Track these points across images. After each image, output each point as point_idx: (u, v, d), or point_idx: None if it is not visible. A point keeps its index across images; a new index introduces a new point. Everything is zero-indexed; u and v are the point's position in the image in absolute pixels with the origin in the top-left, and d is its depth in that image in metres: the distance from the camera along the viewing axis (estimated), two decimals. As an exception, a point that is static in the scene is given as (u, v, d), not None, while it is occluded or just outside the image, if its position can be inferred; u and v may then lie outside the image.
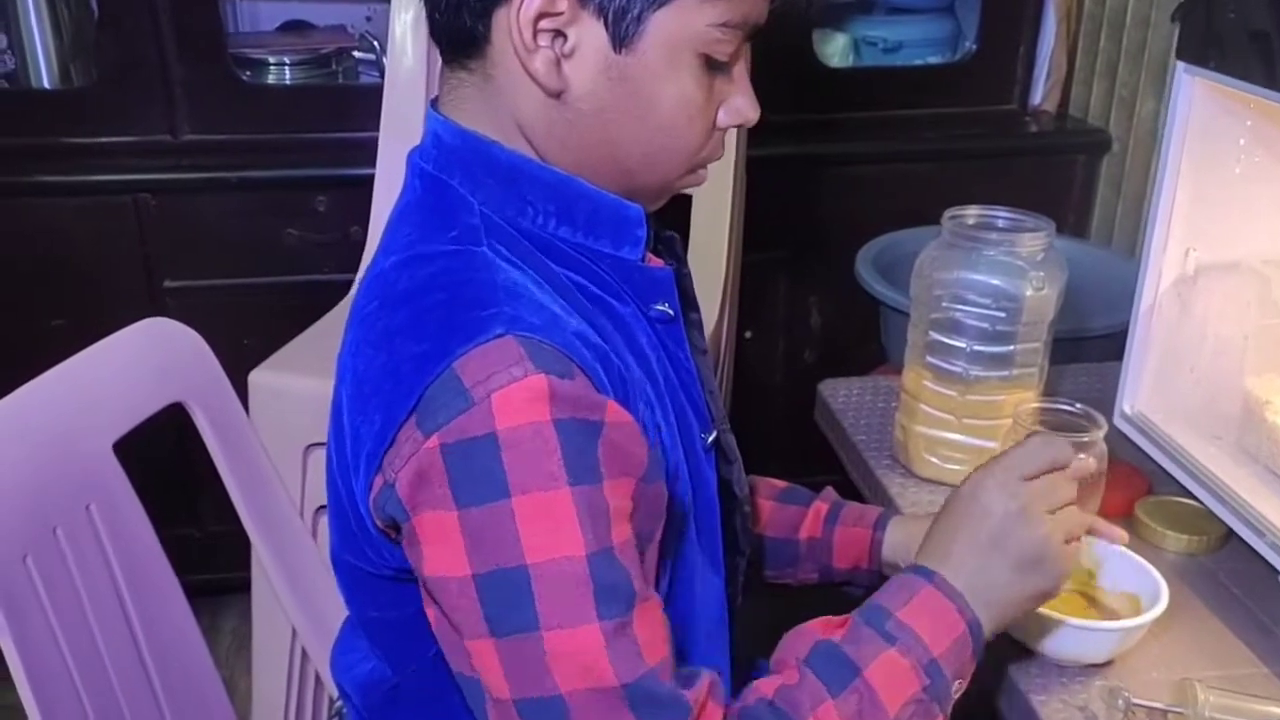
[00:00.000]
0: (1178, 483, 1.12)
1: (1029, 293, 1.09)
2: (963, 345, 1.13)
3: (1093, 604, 0.97)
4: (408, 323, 0.72)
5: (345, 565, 0.82)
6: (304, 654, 1.45)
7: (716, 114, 0.79)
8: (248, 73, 2.03)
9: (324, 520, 1.12)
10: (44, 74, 1.98)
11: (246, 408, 1.13)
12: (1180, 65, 1.12)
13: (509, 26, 0.72)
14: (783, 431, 1.85)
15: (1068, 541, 0.81)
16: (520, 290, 0.72)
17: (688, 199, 1.73)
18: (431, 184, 0.78)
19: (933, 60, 2.28)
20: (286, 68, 2.09)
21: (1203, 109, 1.12)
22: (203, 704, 1.02)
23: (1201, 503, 1.09)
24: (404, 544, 0.72)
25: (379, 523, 0.73)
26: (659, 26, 0.73)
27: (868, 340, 1.88)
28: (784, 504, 1.05)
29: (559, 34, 0.73)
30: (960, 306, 1.12)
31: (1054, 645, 0.90)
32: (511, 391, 0.66)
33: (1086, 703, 0.88)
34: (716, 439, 0.87)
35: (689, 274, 0.90)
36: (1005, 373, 1.13)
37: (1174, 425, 1.17)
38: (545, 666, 0.66)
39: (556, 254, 0.77)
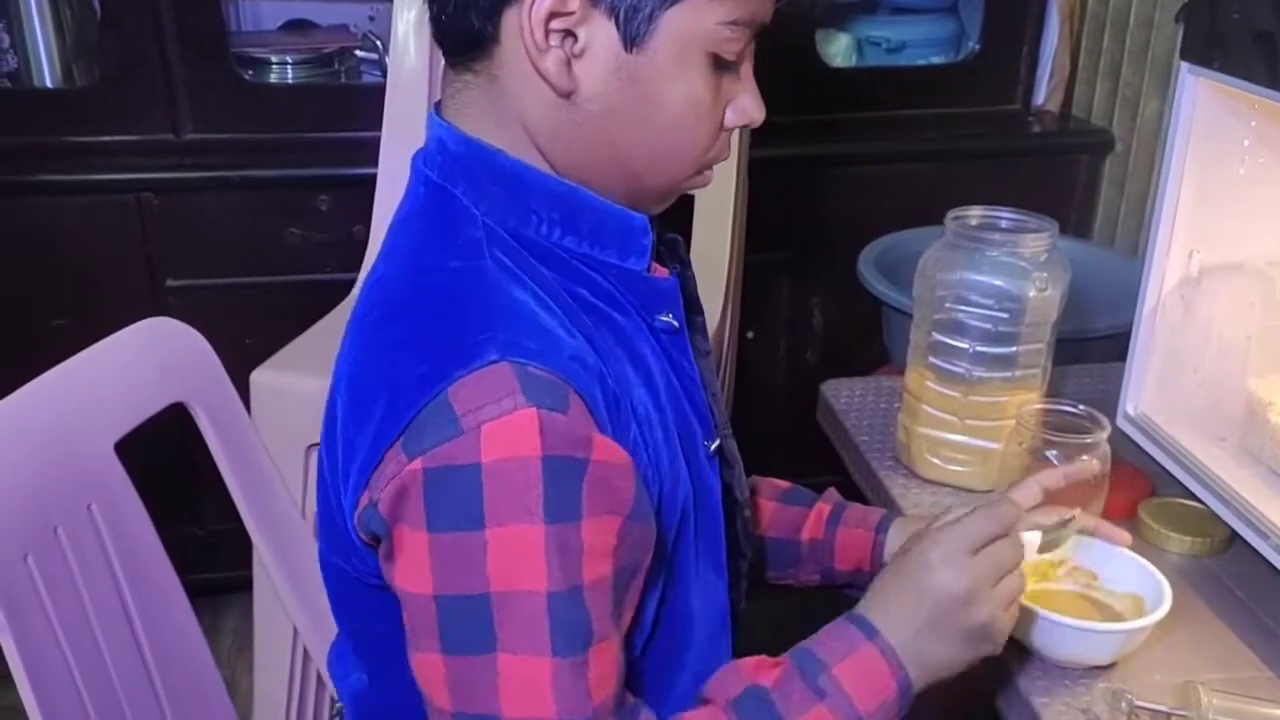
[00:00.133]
0: (1181, 484, 1.12)
1: (1032, 293, 1.09)
2: (965, 346, 1.13)
3: (1096, 606, 0.97)
4: (407, 338, 0.72)
5: (333, 569, 0.82)
6: (305, 653, 1.45)
7: (724, 114, 0.79)
8: (250, 72, 2.04)
9: (325, 520, 1.12)
10: (46, 73, 1.99)
11: (248, 407, 1.13)
12: (1184, 66, 1.12)
13: (519, 27, 0.72)
14: (785, 432, 1.85)
15: (1009, 605, 0.81)
16: (520, 309, 0.72)
17: (690, 200, 1.73)
18: (435, 192, 0.78)
19: (936, 60, 2.28)
20: (289, 67, 2.09)
21: (1206, 110, 1.12)
22: (204, 703, 1.02)
23: (1205, 505, 1.09)
24: (380, 554, 0.73)
25: (364, 537, 0.74)
26: (670, 25, 0.72)
27: (870, 341, 1.88)
28: (786, 505, 1.05)
29: (569, 34, 0.72)
30: (963, 307, 1.12)
31: (1056, 647, 0.90)
32: (501, 425, 0.66)
33: (1089, 705, 0.88)
34: (719, 445, 0.87)
35: (692, 276, 0.90)
36: (1008, 374, 1.13)
37: (1177, 427, 1.17)
38: (494, 688, 0.67)
39: (559, 264, 0.77)
